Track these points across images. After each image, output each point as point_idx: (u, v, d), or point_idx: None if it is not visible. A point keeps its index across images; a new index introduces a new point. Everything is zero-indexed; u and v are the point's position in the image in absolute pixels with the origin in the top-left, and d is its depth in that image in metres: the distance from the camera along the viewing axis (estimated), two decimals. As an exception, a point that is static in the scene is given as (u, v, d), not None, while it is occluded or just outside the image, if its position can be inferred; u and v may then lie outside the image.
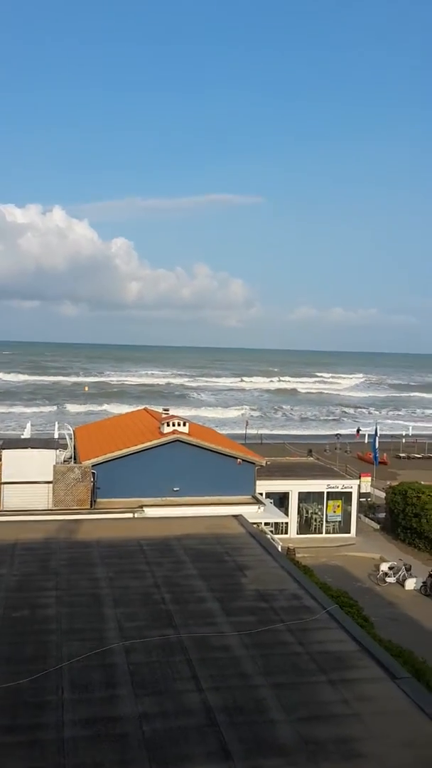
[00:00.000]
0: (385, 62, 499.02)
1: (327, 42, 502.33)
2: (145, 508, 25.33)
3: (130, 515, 23.96)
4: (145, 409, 39.73)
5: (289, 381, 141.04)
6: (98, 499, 25.96)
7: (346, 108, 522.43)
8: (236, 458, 28.10)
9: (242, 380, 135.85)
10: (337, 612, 10.94)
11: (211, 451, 27.68)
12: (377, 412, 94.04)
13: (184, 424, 28.16)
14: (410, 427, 74.17)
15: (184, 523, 16.67)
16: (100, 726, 7.51)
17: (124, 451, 26.73)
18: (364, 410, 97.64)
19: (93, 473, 25.69)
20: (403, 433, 69.68)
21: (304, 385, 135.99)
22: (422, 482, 35.10)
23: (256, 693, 8.36)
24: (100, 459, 26.27)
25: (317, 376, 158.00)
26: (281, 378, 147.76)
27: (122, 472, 26.29)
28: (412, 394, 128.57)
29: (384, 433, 60.90)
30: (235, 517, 17.28)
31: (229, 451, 28.37)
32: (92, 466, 25.86)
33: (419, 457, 57.97)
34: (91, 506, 25.32)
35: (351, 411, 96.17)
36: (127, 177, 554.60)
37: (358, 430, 67.96)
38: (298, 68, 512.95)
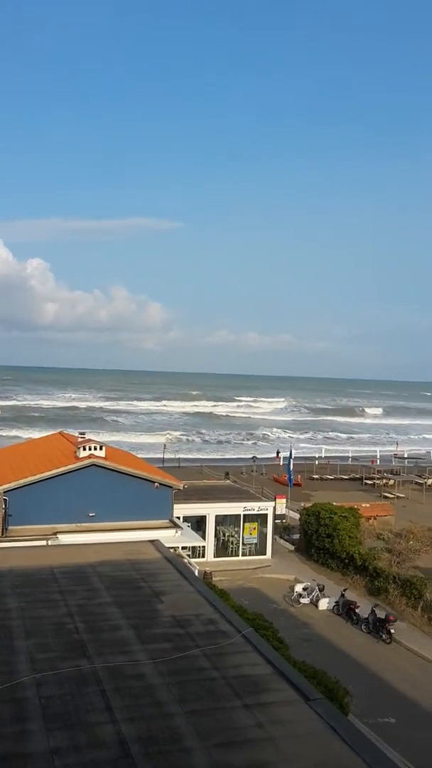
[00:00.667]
0: (298, 82, 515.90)
1: (244, 64, 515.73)
2: (59, 535, 24.73)
3: (44, 543, 23.29)
4: (60, 433, 38.94)
5: (209, 404, 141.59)
6: (10, 527, 25.12)
7: (265, 129, 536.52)
8: (153, 482, 27.95)
9: (164, 404, 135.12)
10: (252, 635, 11.03)
11: (128, 475, 27.42)
12: (295, 436, 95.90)
13: (101, 448, 27.79)
14: (323, 450, 76.09)
15: (99, 550, 16.41)
16: (10, 763, 7.24)
17: (38, 476, 26.05)
18: (282, 434, 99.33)
19: (4, 499, 24.89)
20: (317, 455, 71.40)
21: (224, 408, 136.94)
22: (334, 503, 35.99)
23: (172, 721, 8.30)
24: (12, 485, 25.48)
25: (237, 400, 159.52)
26: (201, 401, 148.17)
27: (36, 498, 25.58)
28: (327, 417, 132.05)
29: (299, 455, 62.18)
30: (152, 542, 17.17)
31: (146, 474, 28.19)
32: (3, 492, 25.06)
33: (332, 479, 59.42)
34: (2, 534, 24.48)
35: (271, 434, 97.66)
36: (47, 197, 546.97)
37: (278, 453, 69.03)
38: (220, 92, 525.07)
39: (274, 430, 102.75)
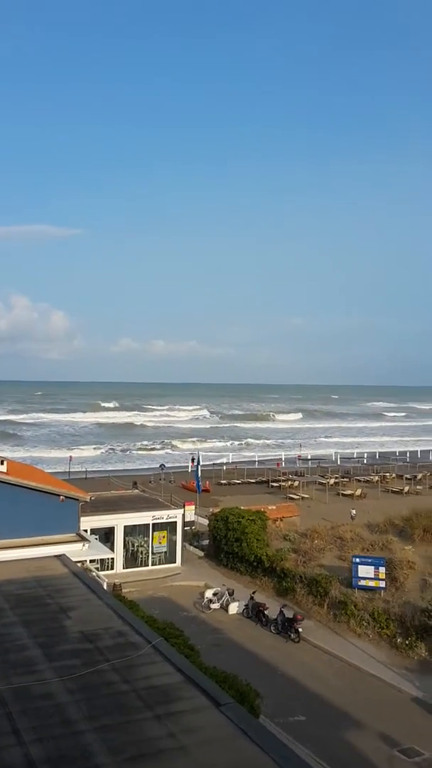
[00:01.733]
0: (183, 92, 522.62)
1: (119, 71, 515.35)
2: (-41, 555, 23.67)
3: None
4: (-42, 448, 37.35)
5: (125, 414, 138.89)
6: None
7: (157, 134, 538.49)
8: (59, 495, 27.29)
9: (71, 416, 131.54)
10: (162, 645, 11.02)
11: (32, 489, 26.63)
12: (208, 444, 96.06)
13: (2, 463, 26.84)
14: (230, 455, 77.03)
15: (2, 568, 15.89)
16: None
17: None
18: (200, 443, 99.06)
19: None
20: (224, 460, 72.16)
21: (142, 417, 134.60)
22: (242, 507, 36.47)
23: (82, 739, 8.17)
24: None
25: (153, 409, 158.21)
26: (117, 411, 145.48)
27: None
28: (238, 424, 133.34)
29: (208, 462, 62.63)
30: (58, 557, 16.82)
31: (50, 488, 27.43)
32: None
33: (239, 483, 60.16)
34: None
35: (181, 444, 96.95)
36: None
37: (193, 459, 68.98)
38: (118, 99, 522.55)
39: (191, 439, 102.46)
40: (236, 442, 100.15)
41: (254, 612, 26.99)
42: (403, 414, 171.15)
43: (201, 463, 49.23)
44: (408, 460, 77.95)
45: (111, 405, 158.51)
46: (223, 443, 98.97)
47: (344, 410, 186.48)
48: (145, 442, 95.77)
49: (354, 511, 42.65)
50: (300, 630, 25.03)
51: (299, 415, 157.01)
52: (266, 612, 26.55)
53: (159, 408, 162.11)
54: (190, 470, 61.59)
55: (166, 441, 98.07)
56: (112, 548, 31.76)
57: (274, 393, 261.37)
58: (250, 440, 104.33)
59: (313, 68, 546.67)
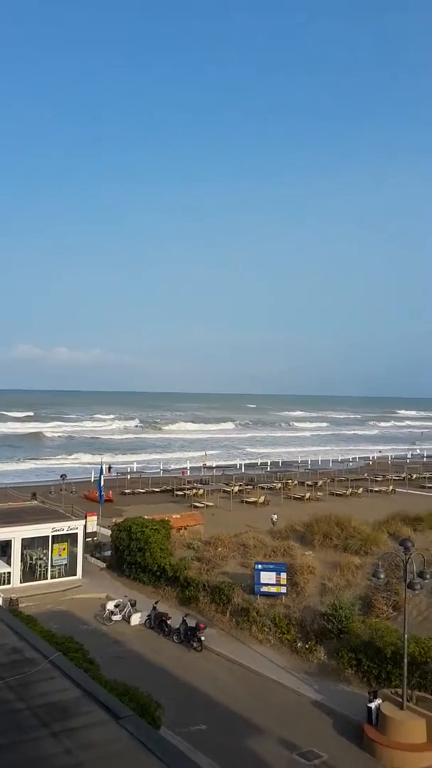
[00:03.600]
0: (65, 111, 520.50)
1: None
2: None
3: None
4: None
5: (41, 425, 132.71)
6: None
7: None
8: None
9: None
10: (59, 660, 10.64)
11: None
12: (112, 455, 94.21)
13: None
14: (134, 464, 76.33)
15: None
16: None
17: None
18: (102, 450, 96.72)
19: None
20: (128, 468, 71.40)
21: (59, 429, 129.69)
22: (146, 516, 36.15)
23: (-28, 763, 7.72)
24: None
25: (56, 417, 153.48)
26: (31, 423, 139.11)
27: None
28: (139, 435, 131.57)
29: (110, 477, 61.64)
30: None
31: None
32: None
33: (143, 492, 59.69)
34: None
35: (89, 453, 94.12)
36: None
37: (110, 468, 67.51)
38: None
39: (99, 449, 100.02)
40: (144, 452, 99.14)
41: (157, 622, 26.74)
42: (314, 425, 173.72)
43: (104, 472, 48.43)
44: (309, 467, 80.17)
45: (16, 414, 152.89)
46: (132, 454, 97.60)
47: (257, 418, 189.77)
48: (47, 452, 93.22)
49: (275, 516, 43.41)
50: (202, 638, 25.01)
51: (216, 426, 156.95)
52: (169, 622, 26.38)
53: (66, 416, 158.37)
54: (92, 480, 60.46)
55: (71, 450, 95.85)
56: (8, 562, 30.67)
57: (184, 401, 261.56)
58: (164, 452, 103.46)
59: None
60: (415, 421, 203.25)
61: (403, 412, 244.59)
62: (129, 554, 32.61)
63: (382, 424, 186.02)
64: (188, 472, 71.48)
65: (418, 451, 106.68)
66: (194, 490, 57.46)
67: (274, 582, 27.50)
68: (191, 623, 25.59)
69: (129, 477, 65.41)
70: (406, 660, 18.87)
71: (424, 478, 71.12)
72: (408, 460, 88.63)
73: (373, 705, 18.89)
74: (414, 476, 71.63)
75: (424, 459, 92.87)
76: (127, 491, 59.14)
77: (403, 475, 70.74)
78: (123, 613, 27.68)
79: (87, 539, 35.50)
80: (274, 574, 27.62)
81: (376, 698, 19.15)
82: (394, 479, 69.00)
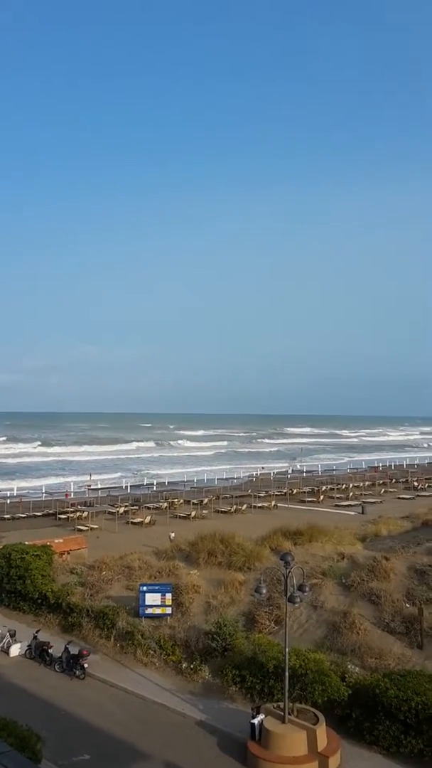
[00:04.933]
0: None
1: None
2: None
3: None
4: None
5: None
6: None
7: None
8: None
9: None
10: None
11: None
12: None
13: None
14: (15, 488, 73.59)
15: None
16: None
17: None
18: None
19: None
20: (8, 493, 68.74)
21: None
22: (27, 542, 34.95)
23: None
24: None
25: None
26: None
27: None
28: (21, 459, 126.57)
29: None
30: None
31: None
32: None
33: (24, 517, 57.68)
34: None
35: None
36: None
37: None
38: None
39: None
40: (23, 472, 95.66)
41: (38, 652, 25.83)
42: (210, 444, 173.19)
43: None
44: (195, 485, 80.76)
45: None
46: (17, 479, 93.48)
47: (149, 435, 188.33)
48: None
49: (173, 534, 43.29)
50: (86, 666, 24.42)
51: (112, 447, 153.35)
52: (50, 650, 25.55)
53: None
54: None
55: None
56: None
57: (73, 422, 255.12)
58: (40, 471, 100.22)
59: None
60: (305, 438, 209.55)
61: (291, 429, 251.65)
62: (8, 582, 31.31)
63: (269, 441, 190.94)
64: (72, 494, 69.92)
65: (299, 466, 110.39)
66: (78, 513, 56.28)
67: (159, 603, 27.35)
68: (74, 651, 24.92)
69: (8, 501, 62.96)
70: (287, 674, 19.32)
71: (304, 492, 73.73)
72: (288, 476, 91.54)
73: (256, 721, 19.17)
74: (294, 491, 74.04)
75: (304, 474, 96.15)
76: (7, 516, 56.91)
77: (285, 491, 72.94)
78: (2, 644, 26.51)
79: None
80: (159, 595, 27.48)
81: (258, 714, 19.45)
82: (276, 494, 71.00)
